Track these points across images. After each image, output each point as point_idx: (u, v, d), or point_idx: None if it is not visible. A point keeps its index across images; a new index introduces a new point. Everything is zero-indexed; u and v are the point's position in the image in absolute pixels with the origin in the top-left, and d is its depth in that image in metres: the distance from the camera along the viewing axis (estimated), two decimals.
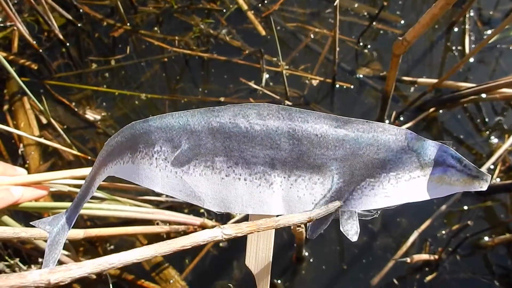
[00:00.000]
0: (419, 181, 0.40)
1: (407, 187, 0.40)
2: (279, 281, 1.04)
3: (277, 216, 0.39)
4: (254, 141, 0.40)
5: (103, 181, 0.45)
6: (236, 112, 0.40)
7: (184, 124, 0.40)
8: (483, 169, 1.00)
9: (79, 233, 0.76)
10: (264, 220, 0.35)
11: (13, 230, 0.51)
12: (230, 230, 0.32)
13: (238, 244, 1.10)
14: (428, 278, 0.99)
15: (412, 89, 1.31)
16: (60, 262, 1.06)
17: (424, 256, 0.97)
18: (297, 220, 0.38)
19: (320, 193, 0.41)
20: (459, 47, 1.38)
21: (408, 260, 0.95)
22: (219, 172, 0.41)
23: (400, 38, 0.70)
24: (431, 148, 0.40)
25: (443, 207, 1.06)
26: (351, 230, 0.41)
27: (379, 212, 0.42)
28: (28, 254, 1.09)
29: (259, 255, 0.46)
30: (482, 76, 1.32)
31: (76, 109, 1.36)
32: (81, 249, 1.15)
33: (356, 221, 0.41)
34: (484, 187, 0.40)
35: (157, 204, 1.11)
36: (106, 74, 1.44)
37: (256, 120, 0.40)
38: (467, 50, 1.34)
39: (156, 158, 0.41)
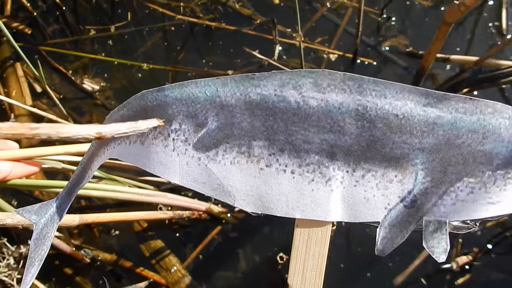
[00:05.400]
0: None
1: None
2: None
3: (333, 223, 0.28)
4: (307, 121, 0.30)
5: None
6: (284, 81, 0.29)
7: (213, 95, 0.30)
8: None
9: (74, 219, 0.66)
10: None
11: None
12: None
13: (245, 231, 1.00)
14: (460, 280, 0.89)
15: (448, 66, 1.18)
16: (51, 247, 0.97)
17: (466, 259, 0.87)
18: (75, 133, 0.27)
19: (397, 195, 0.31)
20: (496, 23, 1.25)
21: (454, 266, 0.85)
22: (257, 161, 0.31)
23: (457, 2, 0.58)
24: None
25: None
26: (438, 247, 0.30)
27: (477, 224, 0.31)
28: (18, 234, 1.01)
29: (307, 273, 0.35)
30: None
31: (73, 78, 1.24)
32: (75, 231, 1.06)
33: (446, 236, 0.30)
34: None
35: (158, 186, 1.01)
36: (107, 41, 1.33)
37: (312, 93, 0.29)
38: (504, 26, 1.21)
39: (173, 139, 0.32)
